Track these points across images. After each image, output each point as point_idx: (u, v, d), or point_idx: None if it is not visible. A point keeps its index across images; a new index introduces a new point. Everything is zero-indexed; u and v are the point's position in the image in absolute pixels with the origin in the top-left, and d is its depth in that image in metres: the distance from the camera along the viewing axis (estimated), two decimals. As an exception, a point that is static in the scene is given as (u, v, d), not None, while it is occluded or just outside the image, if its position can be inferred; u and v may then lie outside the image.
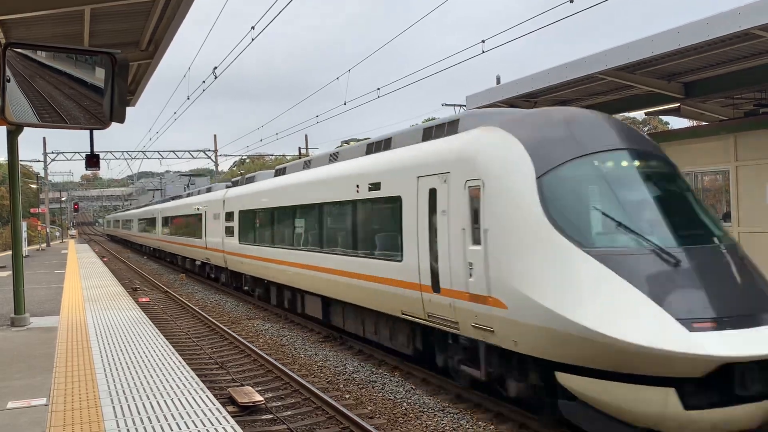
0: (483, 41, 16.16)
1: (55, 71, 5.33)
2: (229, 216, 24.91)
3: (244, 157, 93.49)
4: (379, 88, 23.10)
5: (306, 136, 59.34)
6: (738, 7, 11.46)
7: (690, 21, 12.46)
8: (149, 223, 48.92)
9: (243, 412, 10.65)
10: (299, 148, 57.92)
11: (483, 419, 10.10)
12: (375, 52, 22.71)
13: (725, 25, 11.57)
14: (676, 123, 77.35)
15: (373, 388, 12.17)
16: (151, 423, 7.29)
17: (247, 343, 15.95)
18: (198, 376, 9.88)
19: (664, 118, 54.44)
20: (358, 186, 13.71)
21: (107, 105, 5.27)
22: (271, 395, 11.83)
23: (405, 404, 11.07)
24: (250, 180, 24.48)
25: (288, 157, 67.81)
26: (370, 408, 11.00)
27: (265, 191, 20.70)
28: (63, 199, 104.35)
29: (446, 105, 40.00)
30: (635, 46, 13.25)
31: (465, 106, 28.35)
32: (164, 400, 8.18)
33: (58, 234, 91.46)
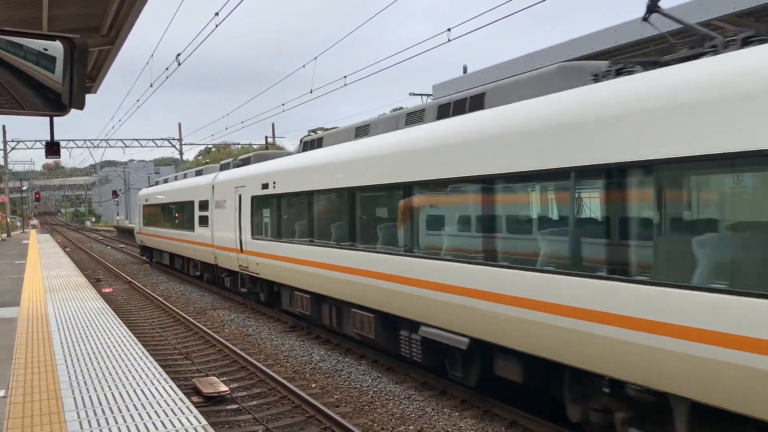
0: (449, 30, 16.15)
1: (11, 56, 5.20)
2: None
3: (209, 146, 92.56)
4: (345, 77, 22.97)
5: (273, 124, 58.83)
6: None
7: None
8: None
9: (207, 402, 10.58)
10: (266, 137, 57.53)
11: (448, 406, 10.17)
12: (342, 39, 22.57)
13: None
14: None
15: (339, 377, 12.17)
16: (113, 414, 7.20)
17: (212, 333, 15.83)
18: (162, 366, 9.78)
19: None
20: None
21: (66, 91, 5.16)
22: (236, 385, 11.77)
23: (371, 392, 11.10)
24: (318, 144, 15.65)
25: (255, 146, 67.22)
26: (336, 397, 11.01)
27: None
28: (24, 188, 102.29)
29: (413, 94, 40.04)
30: (599, 36, 13.39)
31: (432, 95, 28.39)
32: (127, 391, 8.08)
33: (19, 224, 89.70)
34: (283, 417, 10.10)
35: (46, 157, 15.92)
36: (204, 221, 23.55)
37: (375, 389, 11.25)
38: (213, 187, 22.40)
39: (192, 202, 25.15)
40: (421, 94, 38.37)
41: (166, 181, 32.89)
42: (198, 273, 25.93)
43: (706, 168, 6.16)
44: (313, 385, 11.73)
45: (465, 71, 32.47)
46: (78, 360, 9.80)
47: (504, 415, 9.53)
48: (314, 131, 21.76)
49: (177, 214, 27.84)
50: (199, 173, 26.63)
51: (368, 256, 11.52)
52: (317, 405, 10.00)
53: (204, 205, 23.54)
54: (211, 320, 18.50)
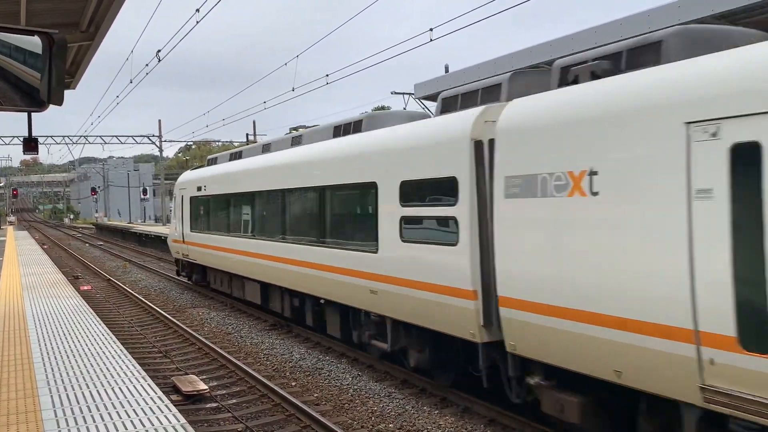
0: (431, 29, 16.19)
1: (-12, 50, 5.14)
2: None
3: (189, 143, 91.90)
4: (328, 75, 22.94)
5: (254, 122, 58.53)
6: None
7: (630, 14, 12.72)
8: None
9: (187, 401, 10.54)
10: (247, 135, 57.26)
11: (428, 404, 10.21)
12: (325, 38, 22.54)
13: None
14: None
15: (319, 375, 12.17)
16: (90, 412, 7.15)
17: (191, 331, 15.75)
18: (140, 365, 9.72)
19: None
20: None
21: (44, 87, 5.12)
22: (215, 384, 11.73)
23: (351, 390, 11.10)
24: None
25: (236, 144, 66.80)
26: (316, 395, 11.01)
27: None
28: (1, 184, 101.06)
29: (395, 93, 40.00)
30: (579, 37, 13.48)
31: (413, 94, 28.42)
32: (105, 390, 8.02)
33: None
34: (262, 415, 10.08)
35: (24, 153, 15.76)
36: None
37: (355, 387, 11.26)
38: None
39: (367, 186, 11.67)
40: (403, 93, 38.37)
41: (239, 156, 19.32)
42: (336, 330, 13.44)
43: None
44: (293, 384, 11.71)
45: (447, 70, 32.53)
46: (55, 358, 9.71)
47: (483, 412, 9.58)
48: (295, 129, 21.75)
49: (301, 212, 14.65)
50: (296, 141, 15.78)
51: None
52: (297, 403, 9.99)
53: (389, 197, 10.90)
54: (191, 318, 18.40)
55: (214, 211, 19.81)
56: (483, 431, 9.04)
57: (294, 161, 14.45)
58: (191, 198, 21.87)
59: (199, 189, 21.05)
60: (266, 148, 17.35)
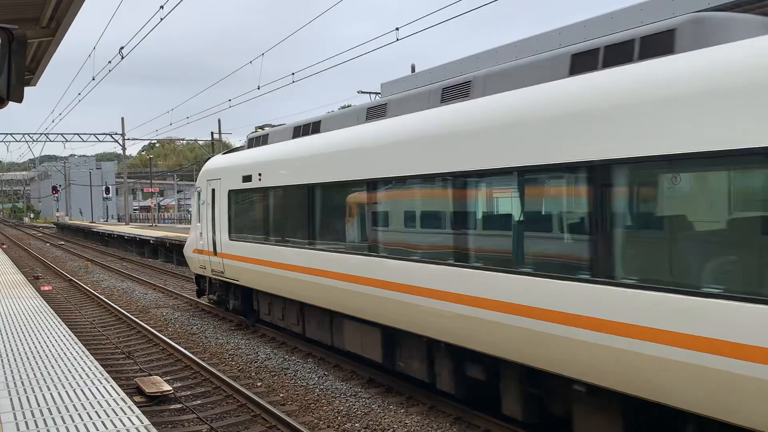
0: (397, 29, 16.23)
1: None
2: None
3: (153, 141, 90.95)
4: (294, 74, 22.85)
5: (219, 120, 58.20)
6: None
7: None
8: None
9: (151, 402, 10.42)
10: (212, 133, 56.79)
11: (394, 402, 10.23)
12: (290, 36, 22.46)
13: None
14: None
15: (285, 375, 12.13)
16: (51, 415, 7.03)
17: (155, 332, 15.57)
18: (103, 366, 9.60)
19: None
20: None
21: (3, 83, 5.01)
22: (180, 384, 11.61)
23: (317, 390, 11.09)
24: None
25: (200, 142, 66.21)
26: (282, 395, 10.96)
27: None
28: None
29: (362, 92, 40.03)
30: (545, 37, 13.64)
31: (380, 93, 28.47)
32: (66, 392, 7.90)
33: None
34: (227, 416, 10.01)
35: (-18, 151, 15.43)
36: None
37: (321, 387, 11.24)
38: None
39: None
40: (370, 92, 38.43)
41: (314, 129, 13.32)
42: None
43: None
44: (259, 384, 11.65)
45: (413, 70, 32.64)
46: (15, 360, 9.53)
47: (449, 411, 9.64)
48: (261, 127, 21.24)
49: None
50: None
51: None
52: (262, 403, 9.94)
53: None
54: (155, 319, 18.19)
55: (280, 211, 13.35)
56: (448, 429, 9.10)
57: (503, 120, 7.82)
58: (231, 192, 15.62)
59: (246, 179, 14.78)
60: (377, 112, 11.02)
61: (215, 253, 16.35)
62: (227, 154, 17.40)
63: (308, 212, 12.16)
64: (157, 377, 11.52)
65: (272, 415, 9.55)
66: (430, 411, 9.82)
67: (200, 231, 17.49)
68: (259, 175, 14.19)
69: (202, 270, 17.80)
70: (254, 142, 15.93)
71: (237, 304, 16.44)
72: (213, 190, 16.71)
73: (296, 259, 12.47)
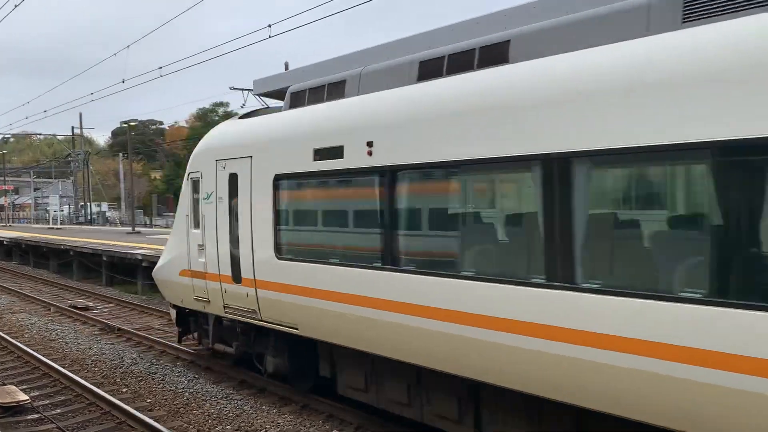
0: (269, 26, 16.08)
1: None
2: None
3: (7, 136, 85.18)
4: (161, 67, 22.13)
5: (80, 114, 55.25)
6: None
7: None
8: None
9: (5, 413, 9.82)
10: (72, 128, 53.99)
11: (266, 403, 10.17)
12: (158, 29, 21.75)
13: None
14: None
15: (153, 379, 11.74)
16: None
17: (9, 338, 14.64)
18: (-51, 377, 8.93)
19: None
20: None
21: None
22: (37, 393, 11.00)
23: (187, 394, 10.81)
24: None
25: (59, 138, 62.73)
26: (149, 400, 10.61)
27: None
28: None
29: (234, 89, 39.23)
30: (414, 39, 13.89)
31: (252, 90, 28.06)
32: None
33: None
34: (90, 424, 9.58)
35: None
36: None
37: (191, 390, 10.97)
38: None
39: None
40: (242, 89, 37.76)
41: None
42: None
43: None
44: (125, 390, 11.22)
45: (287, 68, 32.41)
46: None
47: (321, 408, 9.69)
48: (126, 123, 20.23)
49: None
50: None
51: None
52: (128, 409, 9.60)
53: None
54: (9, 324, 17.07)
55: (425, 212, 7.57)
56: (321, 426, 9.14)
57: None
58: (283, 179, 9.28)
59: (324, 155, 8.46)
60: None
61: (237, 279, 10.20)
62: (257, 118, 10.82)
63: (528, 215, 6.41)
64: (12, 387, 10.86)
65: (139, 421, 9.24)
66: (303, 409, 9.83)
67: (200, 242, 11.16)
68: (368, 145, 7.80)
69: (198, 303, 11.42)
70: (309, 95, 9.74)
71: (281, 364, 10.25)
72: (232, 177, 10.34)
73: (445, 300, 6.89)
